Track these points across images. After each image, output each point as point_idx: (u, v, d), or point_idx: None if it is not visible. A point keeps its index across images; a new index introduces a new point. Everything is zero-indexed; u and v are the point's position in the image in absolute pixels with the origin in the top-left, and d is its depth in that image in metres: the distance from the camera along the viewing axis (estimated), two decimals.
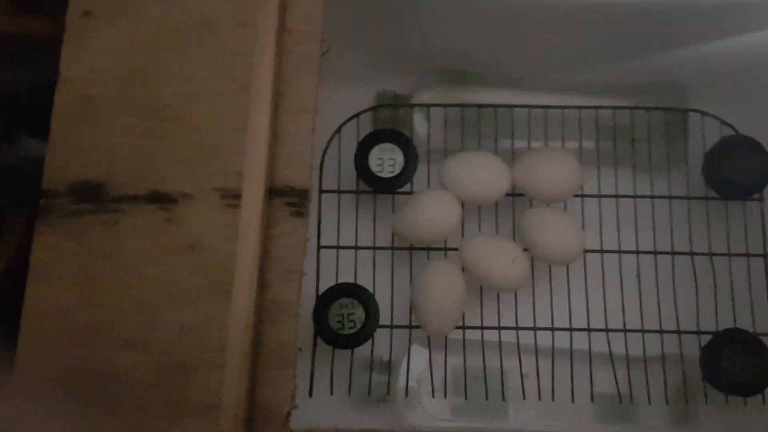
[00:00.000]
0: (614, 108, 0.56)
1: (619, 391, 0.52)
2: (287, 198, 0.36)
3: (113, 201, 0.36)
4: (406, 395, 0.53)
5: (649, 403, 0.52)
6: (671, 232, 0.55)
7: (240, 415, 0.33)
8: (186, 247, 0.35)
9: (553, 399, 0.52)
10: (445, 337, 0.53)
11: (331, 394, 0.52)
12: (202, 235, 0.35)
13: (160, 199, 0.36)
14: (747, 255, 0.54)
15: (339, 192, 0.56)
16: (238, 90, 0.36)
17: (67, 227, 0.35)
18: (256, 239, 0.35)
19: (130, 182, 0.36)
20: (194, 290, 0.35)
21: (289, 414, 0.35)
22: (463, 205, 0.54)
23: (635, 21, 0.53)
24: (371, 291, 0.53)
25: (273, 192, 0.36)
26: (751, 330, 0.53)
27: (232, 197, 0.35)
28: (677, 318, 0.54)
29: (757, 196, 0.55)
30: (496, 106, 0.56)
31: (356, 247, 0.55)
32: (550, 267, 0.55)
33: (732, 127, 0.56)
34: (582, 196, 0.56)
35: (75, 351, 0.34)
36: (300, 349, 0.35)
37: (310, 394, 0.51)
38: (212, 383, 0.33)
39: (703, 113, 0.56)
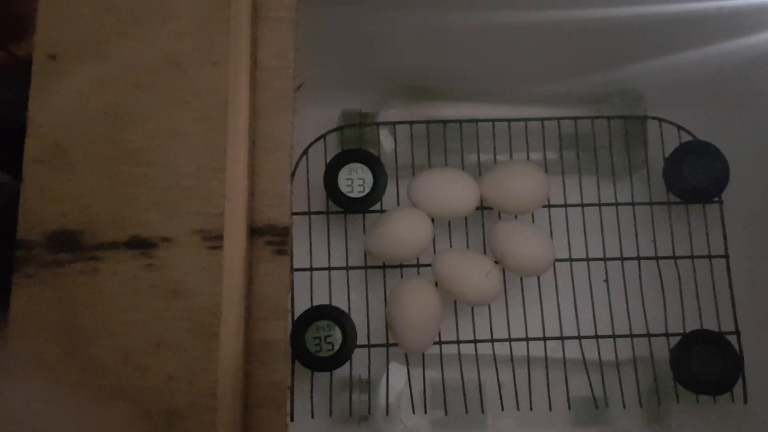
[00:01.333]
0: (575, 118, 0.57)
1: (594, 395, 0.54)
2: (268, 236, 0.36)
3: (92, 249, 0.35)
4: (387, 413, 0.54)
5: (624, 406, 0.54)
6: (636, 237, 0.56)
7: None
8: (169, 292, 0.35)
9: (531, 408, 0.54)
10: (423, 353, 0.54)
11: (312, 417, 0.52)
12: (185, 279, 0.35)
13: (140, 244, 0.35)
14: (709, 257, 0.56)
15: (309, 214, 0.56)
16: (213, 130, 0.36)
17: (46, 278, 0.35)
18: (240, 280, 0.34)
19: (108, 229, 0.35)
20: (181, 336, 0.34)
21: None
22: (433, 221, 0.55)
23: (593, 34, 0.54)
24: (347, 311, 0.53)
25: (254, 231, 0.36)
26: (716, 330, 0.55)
27: (213, 239, 0.35)
28: (646, 321, 0.55)
29: (716, 199, 0.57)
30: (461, 121, 0.57)
31: (329, 268, 0.55)
32: (521, 278, 0.56)
33: (689, 132, 0.57)
34: (549, 206, 0.57)
35: (61, 405, 0.34)
36: (291, 388, 0.35)
37: (291, 419, 0.51)
38: (205, 428, 0.33)
39: (661, 120, 0.58)
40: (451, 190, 0.54)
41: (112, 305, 0.35)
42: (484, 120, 0.57)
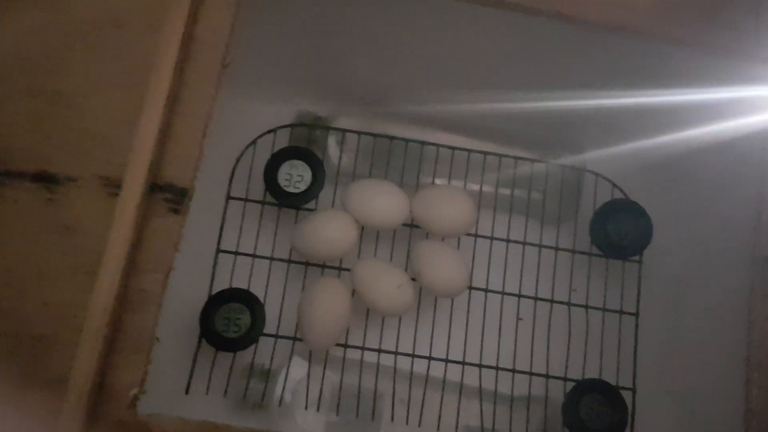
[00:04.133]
0: (516, 158, 0.59)
1: (483, 425, 0.55)
2: (167, 194, 0.38)
3: None
4: (280, 404, 0.55)
5: None
6: (553, 280, 0.58)
7: (87, 393, 0.35)
8: (62, 227, 0.37)
9: (419, 425, 0.55)
10: (326, 353, 0.55)
11: (207, 393, 0.53)
12: (79, 218, 0.37)
13: (45, 179, 0.37)
14: (620, 312, 0.58)
15: (245, 200, 0.58)
16: (135, 86, 0.38)
17: None
18: (129, 228, 0.36)
19: (19, 159, 0.38)
20: (62, 269, 0.36)
21: (135, 398, 0.36)
22: (363, 229, 0.56)
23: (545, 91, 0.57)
24: (261, 300, 0.55)
25: (154, 187, 0.38)
26: (614, 383, 0.56)
27: (113, 186, 0.37)
28: (548, 362, 0.56)
29: (636, 258, 0.58)
30: (407, 141, 0.59)
31: (254, 255, 0.57)
32: (436, 298, 0.58)
33: (621, 190, 0.59)
34: (476, 235, 0.58)
35: None
36: (158, 339, 0.37)
37: (187, 391, 0.52)
38: (65, 359, 0.35)
39: (597, 174, 0.60)
40: (381, 200, 0.56)
41: (6, 230, 0.37)
42: (430, 143, 0.59)
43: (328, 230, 0.55)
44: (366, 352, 0.56)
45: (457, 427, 0.55)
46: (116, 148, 0.38)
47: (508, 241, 0.59)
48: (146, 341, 0.36)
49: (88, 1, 0.39)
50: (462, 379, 0.56)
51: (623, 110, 0.57)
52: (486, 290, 0.58)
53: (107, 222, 0.36)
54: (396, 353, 0.56)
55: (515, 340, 0.57)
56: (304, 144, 0.60)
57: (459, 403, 0.55)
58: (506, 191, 0.60)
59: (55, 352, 0.35)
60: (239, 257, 0.57)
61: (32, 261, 0.36)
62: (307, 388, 0.55)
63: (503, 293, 0.58)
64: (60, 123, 0.38)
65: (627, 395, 0.56)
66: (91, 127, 0.38)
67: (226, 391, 0.54)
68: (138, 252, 0.37)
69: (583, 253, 0.59)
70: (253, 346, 0.55)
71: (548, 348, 0.57)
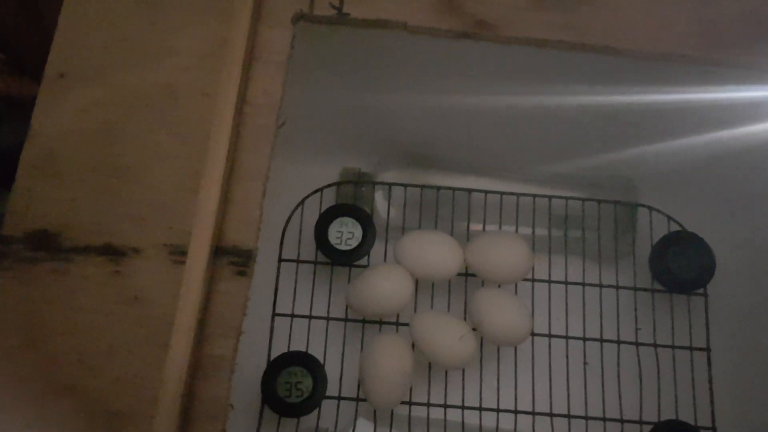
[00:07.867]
0: (567, 198, 0.59)
1: None
2: (232, 257, 0.38)
3: (66, 251, 0.37)
4: None
5: None
6: (618, 321, 0.56)
7: None
8: (130, 299, 0.37)
9: None
10: (392, 412, 0.54)
11: None
12: (147, 288, 0.37)
13: (111, 251, 0.37)
14: (690, 348, 0.56)
15: (298, 261, 0.57)
16: (194, 154, 0.39)
17: (20, 273, 0.37)
18: (198, 295, 0.36)
19: (84, 234, 0.38)
20: (134, 341, 0.36)
21: None
22: (417, 281, 0.56)
23: (590, 120, 0.56)
24: (321, 361, 0.54)
25: (219, 251, 0.38)
26: (692, 423, 0.54)
27: (179, 254, 0.37)
28: (621, 406, 0.54)
29: (701, 291, 0.57)
30: (454, 189, 0.59)
31: (310, 317, 0.56)
32: (498, 347, 0.56)
33: (678, 223, 0.58)
34: (533, 280, 0.57)
35: (12, 393, 0.35)
36: (232, 406, 0.36)
37: None
38: None
39: (651, 209, 0.58)
40: (435, 251, 0.55)
41: (75, 305, 0.37)
42: (477, 191, 0.59)
43: (384, 285, 0.54)
44: (432, 409, 0.54)
45: None
46: (179, 215, 0.38)
47: (566, 283, 0.57)
48: (221, 409, 0.35)
49: (143, 75, 0.40)
50: (533, 429, 0.54)
51: (671, 137, 0.57)
52: (549, 335, 0.56)
53: (175, 290, 0.36)
54: (463, 408, 0.54)
55: (585, 385, 0.55)
56: (351, 201, 0.59)
57: None
58: (559, 233, 0.59)
59: (131, 427, 0.35)
60: (295, 319, 0.56)
61: (103, 336, 0.36)
62: None
63: (567, 337, 0.56)
64: (122, 195, 0.38)
65: None
66: (153, 197, 0.38)
67: None
68: (207, 318, 0.37)
69: (645, 289, 0.57)
70: (316, 410, 0.53)
71: (620, 390, 0.55)
